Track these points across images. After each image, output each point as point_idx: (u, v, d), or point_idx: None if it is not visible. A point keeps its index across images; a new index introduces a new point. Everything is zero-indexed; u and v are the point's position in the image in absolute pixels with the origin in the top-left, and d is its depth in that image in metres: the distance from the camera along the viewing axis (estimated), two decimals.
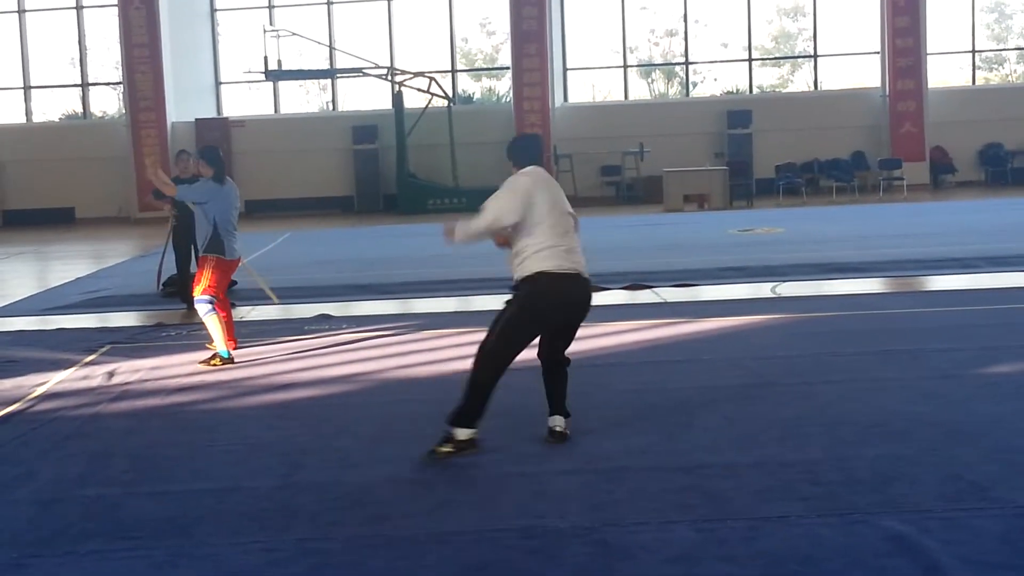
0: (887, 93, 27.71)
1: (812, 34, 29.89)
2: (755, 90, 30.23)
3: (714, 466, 6.15)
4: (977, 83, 30.24)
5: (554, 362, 6.81)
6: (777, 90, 31.46)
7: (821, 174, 27.15)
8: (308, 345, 10.27)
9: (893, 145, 27.20)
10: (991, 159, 27.68)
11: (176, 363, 9.63)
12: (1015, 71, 32.37)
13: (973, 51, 29.85)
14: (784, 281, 12.97)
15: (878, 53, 28.32)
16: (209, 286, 9.49)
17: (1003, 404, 7.24)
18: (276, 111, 30.16)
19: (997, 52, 32.76)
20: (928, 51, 27.67)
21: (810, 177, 26.89)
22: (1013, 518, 5.16)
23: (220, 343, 9.47)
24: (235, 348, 9.70)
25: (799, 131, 27.64)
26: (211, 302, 9.47)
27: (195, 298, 9.63)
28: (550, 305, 6.53)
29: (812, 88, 30.16)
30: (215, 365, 9.39)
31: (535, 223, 6.57)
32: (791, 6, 31.75)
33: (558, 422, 6.75)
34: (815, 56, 30.07)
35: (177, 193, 9.83)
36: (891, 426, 6.81)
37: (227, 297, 10.04)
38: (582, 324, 6.84)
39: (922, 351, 9.01)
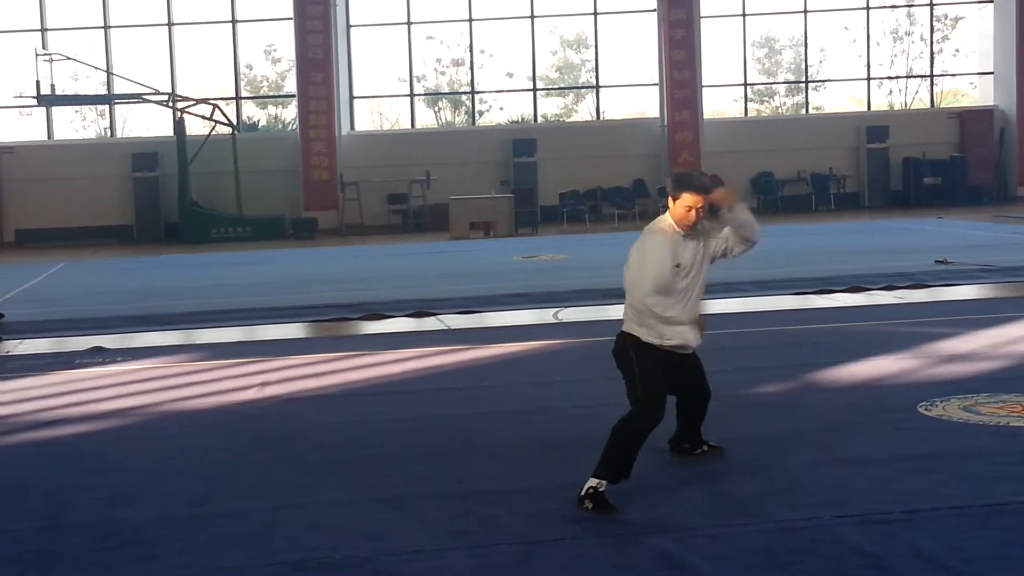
0: (666, 123, 28.59)
1: (595, 65, 30.62)
2: (540, 119, 30.77)
3: (491, 492, 6.19)
4: (749, 114, 31.51)
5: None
6: (561, 119, 32.10)
7: (604, 201, 27.79)
8: (79, 379, 9.90)
9: None
10: (762, 187, 28.86)
11: None
12: (784, 103, 33.86)
13: (745, 84, 31.10)
14: (566, 307, 13.20)
15: (657, 84, 29.21)
16: None
17: (767, 422, 7.52)
18: (49, 137, 29.08)
19: (767, 85, 34.21)
20: (703, 83, 28.69)
21: (593, 204, 27.49)
22: (773, 532, 5.36)
23: None
24: None
25: (582, 159, 28.24)
26: None
27: None
28: None
29: (595, 118, 30.89)
30: None
31: None
32: (574, 38, 32.48)
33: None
34: (597, 87, 30.80)
35: None
36: (664, 447, 6.97)
37: None
38: None
39: None
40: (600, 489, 5.78)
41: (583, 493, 5.79)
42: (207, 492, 6.40)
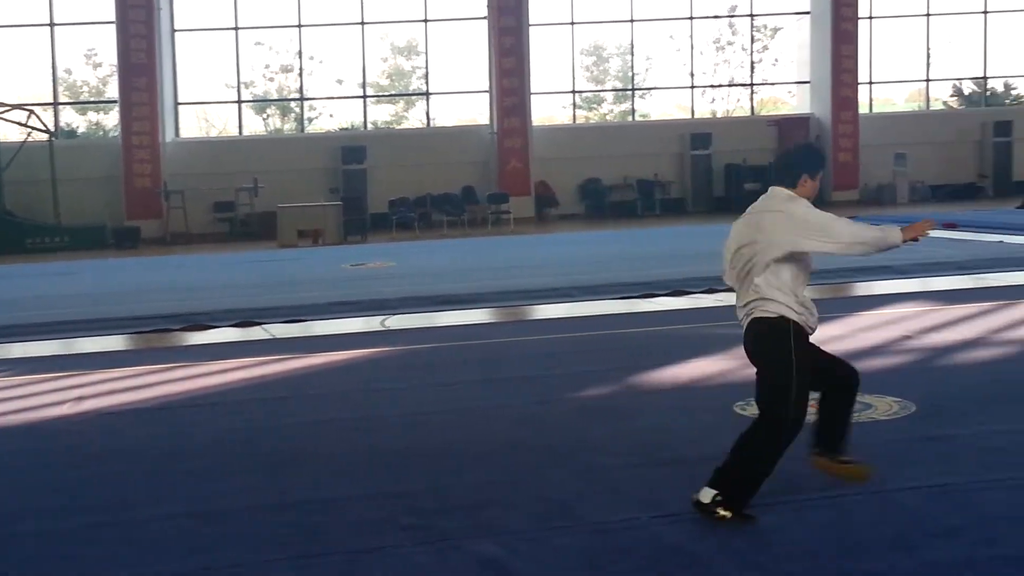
0: (495, 130, 28.79)
1: (425, 72, 30.66)
2: (370, 126, 30.66)
3: (315, 501, 6.14)
4: (578, 121, 31.97)
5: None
6: (391, 126, 32.04)
7: (433, 208, 27.82)
8: None
9: (501, 180, 28.28)
10: (590, 193, 29.30)
11: None
12: (612, 111, 34.46)
13: (574, 91, 31.57)
14: (394, 314, 13.17)
15: (487, 92, 29.39)
16: None
17: (592, 425, 7.64)
18: None
19: (596, 92, 34.77)
20: (532, 91, 28.99)
21: (423, 211, 27.50)
22: (592, 535, 5.44)
23: None
24: None
25: (412, 166, 28.21)
26: None
27: None
28: None
29: (425, 125, 30.92)
30: None
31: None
32: (405, 45, 32.47)
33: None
34: (428, 94, 30.85)
35: None
36: (492, 452, 7.04)
37: None
38: None
39: (522, 377, 9.38)
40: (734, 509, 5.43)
41: (709, 503, 5.43)
42: (18, 511, 6.18)
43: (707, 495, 5.47)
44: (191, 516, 5.97)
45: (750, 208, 5.84)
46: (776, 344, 5.55)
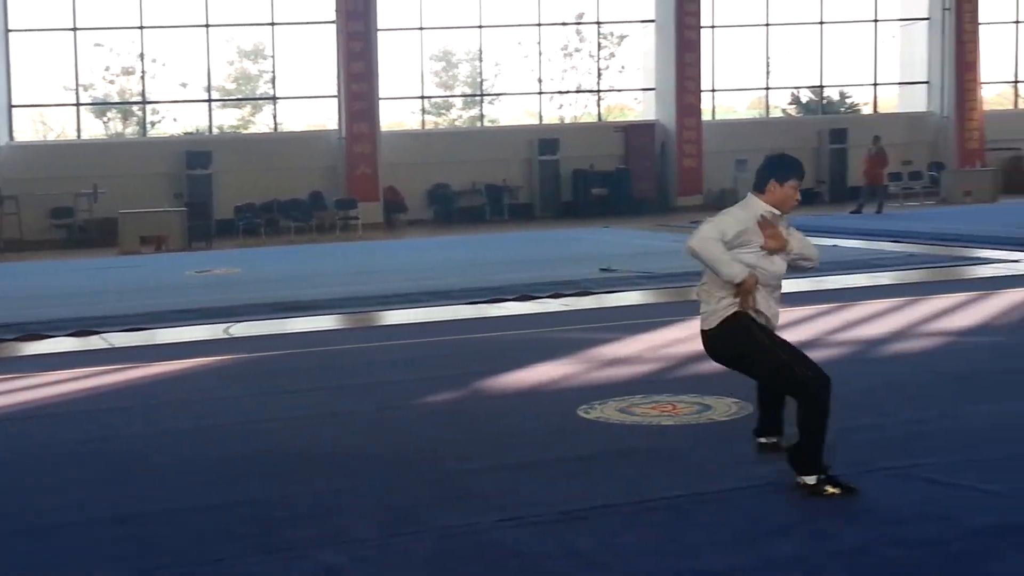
0: (343, 135, 28.56)
1: (272, 77, 30.28)
2: (215, 131, 30.14)
3: (152, 513, 6.00)
4: (427, 127, 31.95)
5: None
6: (238, 131, 31.56)
7: (281, 214, 27.46)
8: None
9: (349, 185, 28.07)
10: (439, 199, 29.28)
11: None
12: (461, 116, 34.57)
13: (423, 96, 31.55)
14: (239, 321, 12.95)
15: (335, 96, 29.14)
16: None
17: (439, 431, 7.64)
18: None
19: (445, 98, 34.85)
20: (381, 96, 28.84)
21: (270, 217, 27.11)
22: (438, 539, 5.44)
23: None
24: None
25: (259, 172, 27.79)
26: None
27: None
28: None
29: (273, 129, 30.53)
30: None
31: None
32: (252, 48, 32.04)
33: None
34: (275, 98, 30.48)
35: None
36: (338, 459, 6.97)
37: None
38: None
39: (370, 384, 9.34)
40: (828, 475, 5.76)
41: (814, 484, 5.74)
42: None
43: (811, 479, 5.76)
44: (18, 534, 5.76)
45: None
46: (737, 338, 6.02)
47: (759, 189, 6.05)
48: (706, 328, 6.10)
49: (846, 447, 5.86)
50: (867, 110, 34.83)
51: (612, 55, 33.32)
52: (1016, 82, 34.77)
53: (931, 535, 5.27)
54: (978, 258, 17.18)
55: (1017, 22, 33.74)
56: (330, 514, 5.89)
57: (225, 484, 6.53)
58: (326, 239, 25.51)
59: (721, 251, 5.86)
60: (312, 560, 5.23)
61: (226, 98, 31.84)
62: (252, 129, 31.70)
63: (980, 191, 29.82)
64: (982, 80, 32.38)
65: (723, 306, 5.97)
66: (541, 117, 31.95)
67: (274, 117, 30.56)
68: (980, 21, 32.14)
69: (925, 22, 32.59)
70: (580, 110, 33.10)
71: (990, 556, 5.00)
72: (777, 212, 6.03)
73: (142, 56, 29.00)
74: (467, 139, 30.89)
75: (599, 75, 32.35)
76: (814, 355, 9.59)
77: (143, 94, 29.58)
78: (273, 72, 30.22)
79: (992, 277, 14.76)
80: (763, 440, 6.52)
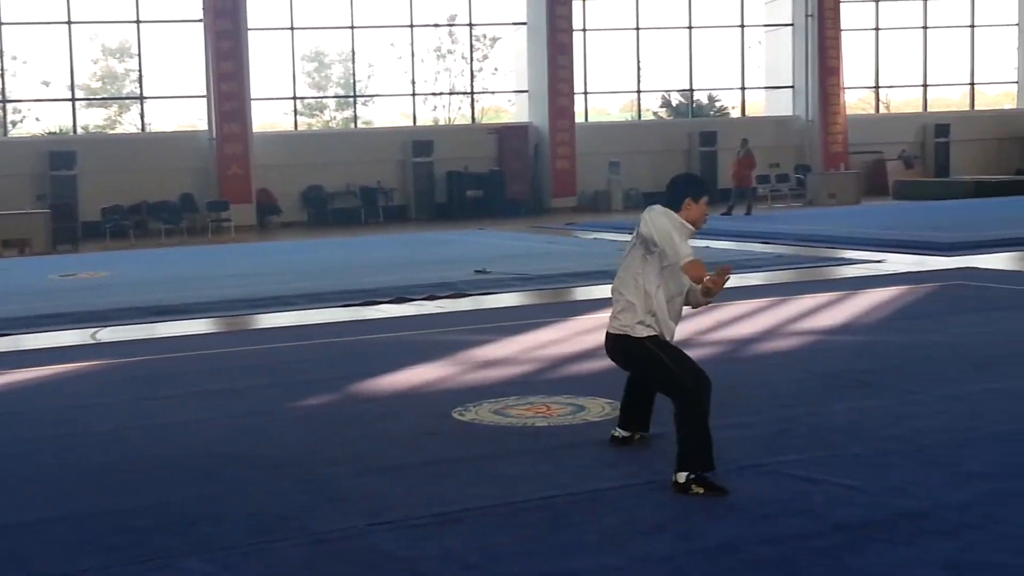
0: (214, 136, 28.13)
1: (139, 76, 29.67)
2: (80, 131, 29.42)
3: (14, 525, 5.84)
4: (300, 128, 31.64)
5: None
6: (104, 131, 30.86)
7: (150, 216, 26.95)
8: None
9: (221, 187, 27.65)
10: (313, 201, 29.05)
11: None
12: (335, 117, 34.31)
13: (295, 97, 31.24)
14: (107, 326, 12.67)
15: (205, 96, 28.69)
16: None
17: (313, 435, 7.57)
18: None
19: (318, 99, 34.56)
20: (252, 96, 28.47)
21: (139, 219, 26.59)
22: (310, 545, 5.39)
23: None
24: None
25: (127, 173, 27.22)
26: None
27: None
28: None
29: (140, 130, 29.92)
30: None
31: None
32: (117, 46, 31.36)
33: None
34: (142, 97, 29.89)
35: None
36: (208, 466, 6.86)
37: None
38: None
39: (242, 388, 9.20)
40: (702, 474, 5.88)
41: (683, 483, 5.86)
42: None
43: (681, 476, 5.90)
44: None
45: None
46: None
47: (674, 207, 6.20)
48: (613, 333, 6.35)
49: (717, 445, 5.97)
50: (735, 114, 35.56)
51: (485, 57, 33.47)
52: (877, 87, 35.84)
53: (796, 530, 5.39)
54: (843, 259, 17.64)
55: (877, 29, 34.79)
56: (200, 522, 5.79)
57: (92, 493, 6.38)
58: (197, 242, 25.11)
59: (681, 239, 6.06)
60: (179, 569, 5.14)
61: (91, 97, 31.12)
62: (119, 129, 31.04)
63: (844, 193, 30.66)
64: (845, 85, 33.29)
65: (638, 328, 6.22)
66: (415, 119, 31.90)
67: (142, 117, 29.98)
68: (842, 28, 33.07)
69: (789, 28, 33.40)
70: (454, 112, 33.16)
71: (853, 550, 5.13)
72: (691, 228, 6.24)
73: (1, 53, 28.15)
74: (341, 141, 30.69)
75: (472, 77, 32.44)
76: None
77: (3, 92, 28.71)
78: (140, 71, 29.63)
79: (856, 277, 15.17)
80: (621, 433, 6.80)
